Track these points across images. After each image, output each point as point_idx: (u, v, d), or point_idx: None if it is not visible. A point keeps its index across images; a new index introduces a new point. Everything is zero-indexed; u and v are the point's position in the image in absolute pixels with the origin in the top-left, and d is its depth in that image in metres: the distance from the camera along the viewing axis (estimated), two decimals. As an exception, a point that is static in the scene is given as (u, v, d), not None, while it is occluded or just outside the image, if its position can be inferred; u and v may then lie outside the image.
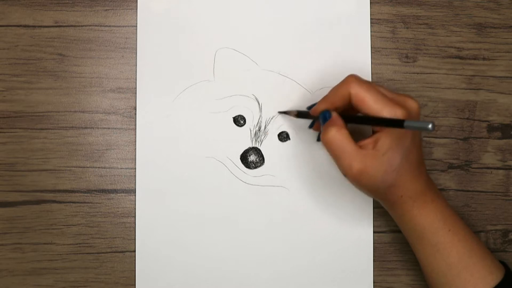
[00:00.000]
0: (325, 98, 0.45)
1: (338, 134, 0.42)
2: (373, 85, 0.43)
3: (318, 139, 0.50)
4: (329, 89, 0.45)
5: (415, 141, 0.43)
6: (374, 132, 0.43)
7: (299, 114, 0.49)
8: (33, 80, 0.51)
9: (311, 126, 0.50)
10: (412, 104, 0.43)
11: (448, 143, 0.52)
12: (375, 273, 0.51)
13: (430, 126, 0.36)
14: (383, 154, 0.42)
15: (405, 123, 0.39)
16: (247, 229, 0.51)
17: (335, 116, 0.43)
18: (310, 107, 0.47)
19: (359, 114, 0.44)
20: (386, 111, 0.41)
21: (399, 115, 0.41)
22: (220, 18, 0.52)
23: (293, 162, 0.51)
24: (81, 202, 0.51)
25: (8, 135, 0.51)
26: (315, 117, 0.46)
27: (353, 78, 0.43)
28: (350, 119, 0.44)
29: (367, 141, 0.43)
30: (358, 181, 0.42)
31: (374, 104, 0.42)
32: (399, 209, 0.45)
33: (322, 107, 0.45)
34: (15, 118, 0.51)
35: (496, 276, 0.44)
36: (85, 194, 0.51)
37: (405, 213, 0.45)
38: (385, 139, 0.42)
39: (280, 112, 0.51)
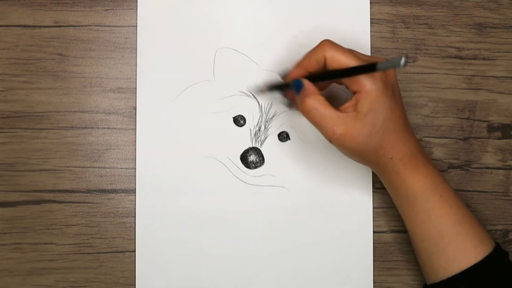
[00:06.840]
0: (299, 64, 0.45)
1: (315, 101, 0.42)
2: (348, 49, 0.43)
3: (290, 107, 0.51)
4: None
5: (396, 99, 0.43)
6: (352, 96, 0.43)
7: (271, 88, 0.50)
8: (33, 80, 0.51)
9: (284, 95, 0.50)
10: None
11: (448, 143, 0.52)
12: (375, 273, 0.51)
13: (402, 61, 0.36)
14: (365, 115, 0.42)
15: (378, 65, 0.38)
16: (247, 229, 0.51)
17: (307, 84, 0.44)
18: (283, 75, 0.48)
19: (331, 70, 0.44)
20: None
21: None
22: (220, 18, 0.52)
23: (293, 162, 0.51)
24: (81, 202, 0.51)
25: (8, 135, 0.51)
26: (287, 86, 0.46)
27: (328, 42, 0.43)
28: (323, 76, 0.44)
29: (347, 105, 0.43)
30: (344, 145, 0.42)
31: (349, 64, 0.42)
32: (390, 172, 0.44)
33: (296, 72, 0.45)
34: (15, 118, 0.51)
35: (487, 246, 0.44)
36: (85, 194, 0.51)
37: (396, 177, 0.44)
38: (364, 99, 0.42)
39: (253, 93, 0.51)
